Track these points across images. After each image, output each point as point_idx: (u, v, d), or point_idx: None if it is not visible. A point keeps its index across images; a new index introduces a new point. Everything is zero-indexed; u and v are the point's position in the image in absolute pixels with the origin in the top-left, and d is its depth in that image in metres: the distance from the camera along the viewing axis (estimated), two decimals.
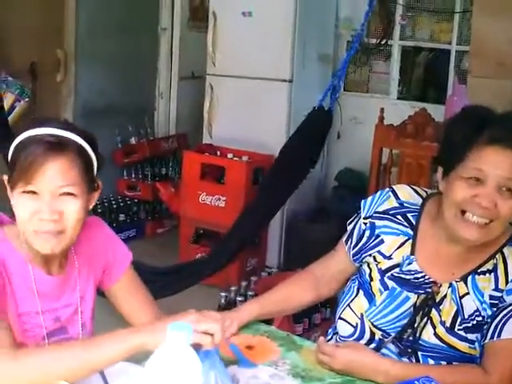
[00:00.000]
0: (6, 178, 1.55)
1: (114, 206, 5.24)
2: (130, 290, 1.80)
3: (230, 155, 4.69)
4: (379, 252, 1.83)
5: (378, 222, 1.85)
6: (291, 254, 4.78)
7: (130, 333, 1.43)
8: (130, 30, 5.72)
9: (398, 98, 5.06)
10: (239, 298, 3.29)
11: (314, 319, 3.48)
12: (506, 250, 1.72)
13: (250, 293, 3.44)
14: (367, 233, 1.87)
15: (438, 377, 1.60)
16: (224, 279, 4.08)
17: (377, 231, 1.85)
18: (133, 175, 5.62)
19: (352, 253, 1.91)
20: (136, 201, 5.44)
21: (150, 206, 5.52)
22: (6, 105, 4.58)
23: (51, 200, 1.50)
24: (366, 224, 1.87)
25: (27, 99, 4.86)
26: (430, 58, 5.23)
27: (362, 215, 1.89)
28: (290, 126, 4.60)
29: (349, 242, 1.92)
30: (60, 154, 1.50)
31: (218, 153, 4.82)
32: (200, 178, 4.67)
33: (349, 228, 1.94)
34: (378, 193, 1.90)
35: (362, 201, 1.91)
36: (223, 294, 3.38)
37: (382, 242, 1.84)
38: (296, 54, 4.64)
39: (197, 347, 1.31)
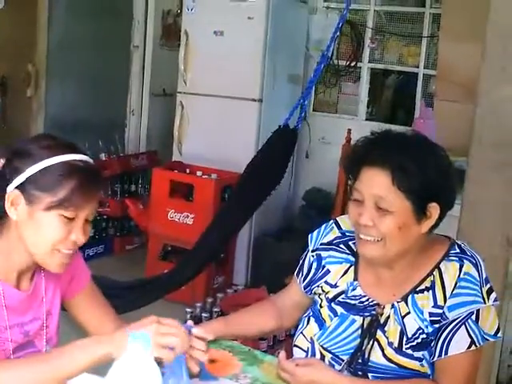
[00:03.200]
0: (17, 193, 1.54)
1: None
2: (91, 303, 1.81)
3: (199, 173, 4.71)
4: (326, 282, 1.89)
5: (323, 253, 1.92)
6: (258, 272, 4.80)
7: (95, 343, 1.43)
8: (102, 47, 5.76)
9: (367, 119, 5.15)
10: (205, 315, 3.30)
11: (279, 336, 3.50)
12: (442, 266, 1.75)
13: (216, 309, 3.46)
14: (314, 265, 1.93)
15: None
16: (190, 296, 4.09)
17: (323, 262, 1.91)
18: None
19: (303, 285, 1.97)
20: (105, 217, 5.42)
21: (119, 223, 5.52)
22: None
23: (83, 224, 1.57)
24: (313, 256, 1.94)
25: None
26: (399, 81, 5.32)
27: (310, 248, 1.96)
28: (259, 145, 4.63)
29: (300, 275, 1.99)
30: (99, 184, 1.62)
31: (188, 170, 4.84)
32: (169, 195, 4.69)
33: (300, 262, 2.00)
34: (324, 225, 1.97)
35: (309, 234, 1.98)
36: (189, 309, 3.39)
37: (327, 271, 1.90)
38: (266, 74, 4.70)
39: (158, 360, 1.32)
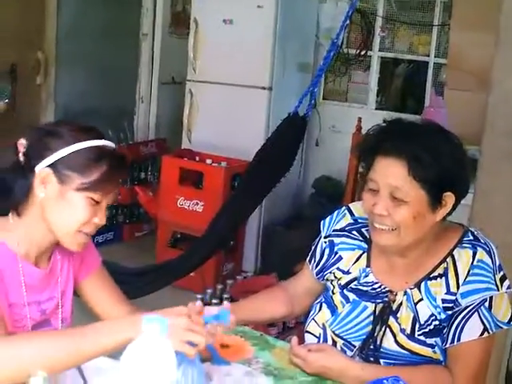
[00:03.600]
0: (49, 171, 1.57)
1: None
2: (101, 286, 1.83)
3: (208, 161, 4.71)
4: (338, 268, 1.90)
5: (336, 240, 1.93)
6: (267, 260, 4.81)
7: (118, 326, 1.43)
8: (112, 35, 5.75)
9: (376, 108, 5.13)
10: (215, 301, 3.31)
11: (288, 322, 3.51)
12: (455, 253, 1.76)
13: (226, 296, 3.47)
14: (327, 251, 1.94)
15: (407, 378, 1.64)
16: (199, 283, 4.11)
17: (335, 248, 1.93)
18: None
19: (315, 271, 1.98)
20: (114, 204, 5.43)
21: (128, 210, 5.53)
22: None
23: (105, 209, 1.64)
24: (325, 243, 1.95)
25: (7, 100, 4.87)
26: (408, 70, 5.31)
27: (323, 234, 1.97)
28: (269, 133, 4.63)
29: (312, 261, 2.00)
30: (126, 171, 1.73)
31: (197, 158, 4.84)
32: (178, 182, 4.69)
33: (312, 248, 2.01)
34: (336, 212, 1.98)
35: (322, 221, 1.99)
36: (199, 296, 3.40)
37: (340, 258, 1.91)
38: (276, 62, 4.69)
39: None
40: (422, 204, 1.68)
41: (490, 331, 1.71)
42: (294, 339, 1.81)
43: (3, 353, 1.40)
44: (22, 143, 1.61)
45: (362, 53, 5.03)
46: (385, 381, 1.58)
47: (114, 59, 5.78)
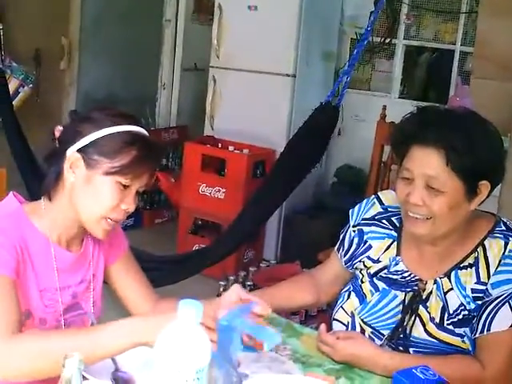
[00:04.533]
0: (78, 156, 1.57)
1: None
2: (129, 270, 1.83)
3: (230, 148, 4.71)
4: (368, 257, 1.90)
5: (365, 229, 1.92)
6: (288, 248, 4.81)
7: (141, 328, 1.41)
8: (135, 21, 5.75)
9: (400, 97, 5.09)
10: (249, 283, 3.31)
11: (311, 311, 3.50)
12: (486, 243, 1.75)
13: (249, 283, 3.47)
14: (356, 240, 1.94)
15: (436, 368, 1.61)
16: (221, 270, 4.11)
17: (365, 237, 1.92)
18: None
19: (344, 260, 1.97)
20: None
21: (149, 196, 5.53)
22: (10, 90, 4.59)
23: (134, 194, 1.62)
24: (354, 232, 1.95)
25: (31, 85, 4.88)
26: (432, 59, 5.25)
27: (351, 223, 1.96)
28: (292, 121, 4.64)
29: (340, 250, 1.99)
30: (158, 157, 1.70)
31: (219, 145, 4.84)
32: (201, 169, 4.69)
33: (340, 237, 2.00)
34: (364, 201, 1.98)
35: (350, 210, 1.98)
36: (222, 283, 3.41)
37: (370, 247, 1.90)
38: (300, 50, 4.66)
39: None
40: (458, 194, 1.67)
41: None
42: (323, 326, 1.80)
43: (33, 348, 1.40)
44: (59, 129, 1.63)
45: (387, 41, 4.98)
46: (414, 370, 1.57)
47: (136, 45, 5.78)
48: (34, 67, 5.03)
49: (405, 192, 1.71)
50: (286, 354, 1.75)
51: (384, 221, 1.91)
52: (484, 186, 1.68)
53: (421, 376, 1.54)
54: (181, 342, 1.19)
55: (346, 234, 1.98)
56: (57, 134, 1.63)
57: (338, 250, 2.00)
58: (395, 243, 1.87)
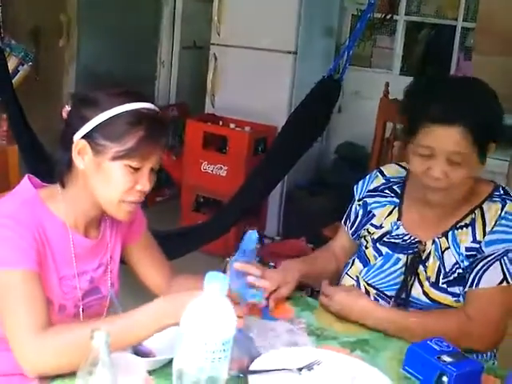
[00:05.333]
0: (84, 142, 1.53)
1: None
2: (147, 249, 1.83)
3: (232, 125, 4.71)
4: (371, 224, 1.98)
5: (368, 200, 2.00)
6: (290, 224, 4.83)
7: (166, 309, 1.41)
8: None
9: (401, 74, 5.08)
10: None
11: (316, 287, 3.52)
12: (485, 206, 1.82)
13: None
14: (361, 212, 2.02)
15: (420, 319, 1.73)
16: (223, 247, 4.12)
17: (368, 208, 2.00)
18: None
19: (350, 232, 2.07)
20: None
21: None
22: (10, 68, 4.55)
23: (148, 174, 1.56)
24: (359, 205, 2.03)
25: (31, 63, 4.85)
26: (432, 34, 5.24)
27: (356, 198, 2.05)
28: (293, 98, 4.63)
29: (347, 223, 2.08)
30: (165, 133, 1.58)
31: (220, 122, 4.84)
32: (202, 146, 4.69)
33: (347, 211, 2.09)
34: (368, 176, 2.05)
35: (355, 186, 2.06)
36: (228, 259, 3.41)
37: (373, 216, 1.98)
38: (301, 26, 4.64)
39: None
40: (474, 161, 1.73)
41: (509, 281, 1.74)
42: (325, 281, 1.88)
43: (63, 342, 1.40)
44: (66, 110, 1.59)
45: (388, 17, 4.97)
46: (429, 342, 1.59)
47: (135, 22, 5.74)
48: (33, 45, 4.99)
49: (423, 166, 1.75)
50: (301, 327, 1.77)
51: (386, 190, 1.99)
52: (491, 147, 1.75)
53: (436, 347, 1.57)
54: (207, 314, 1.21)
55: (351, 208, 2.06)
56: (64, 115, 1.59)
57: (345, 222, 2.09)
58: (396, 208, 1.94)
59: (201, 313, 1.21)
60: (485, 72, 3.75)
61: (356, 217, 2.04)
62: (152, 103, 1.58)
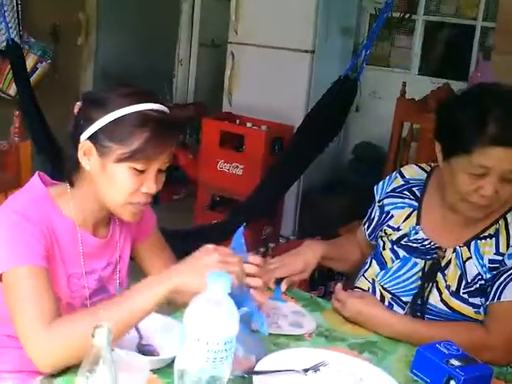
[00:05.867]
0: (89, 143, 1.52)
1: None
2: (156, 249, 1.83)
3: (249, 124, 4.70)
4: (388, 225, 1.95)
5: (386, 201, 1.98)
6: (305, 225, 4.81)
7: (172, 273, 1.44)
8: None
9: (419, 74, 5.05)
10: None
11: (330, 287, 3.51)
12: (509, 217, 1.79)
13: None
14: (378, 212, 2.00)
15: (440, 332, 1.69)
16: None
17: (386, 208, 1.97)
18: None
19: (368, 233, 2.05)
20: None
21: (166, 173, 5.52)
22: (28, 66, 4.59)
23: (155, 175, 1.54)
24: (379, 206, 2.01)
25: (49, 61, 4.88)
26: (452, 34, 5.19)
27: (377, 199, 2.02)
28: (310, 97, 4.61)
29: (366, 225, 2.07)
30: (173, 134, 1.56)
31: (237, 121, 4.83)
32: (219, 145, 4.69)
33: (368, 212, 2.07)
34: (387, 177, 2.03)
35: (375, 187, 2.04)
36: None
37: (391, 216, 1.95)
38: (319, 25, 4.62)
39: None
40: None
41: None
42: (339, 285, 1.86)
43: (71, 334, 1.40)
44: (78, 105, 1.58)
45: (406, 16, 4.93)
46: (437, 345, 1.57)
47: (153, 21, 5.76)
48: (51, 43, 5.01)
49: (473, 186, 1.69)
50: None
51: (405, 192, 1.96)
52: None
53: (444, 351, 1.55)
54: (209, 314, 1.20)
55: (372, 210, 2.04)
56: (76, 110, 1.58)
57: (365, 224, 2.08)
58: (415, 212, 1.91)
59: (203, 312, 1.20)
60: (503, 72, 3.72)
61: (373, 218, 2.03)
62: (162, 104, 1.55)
